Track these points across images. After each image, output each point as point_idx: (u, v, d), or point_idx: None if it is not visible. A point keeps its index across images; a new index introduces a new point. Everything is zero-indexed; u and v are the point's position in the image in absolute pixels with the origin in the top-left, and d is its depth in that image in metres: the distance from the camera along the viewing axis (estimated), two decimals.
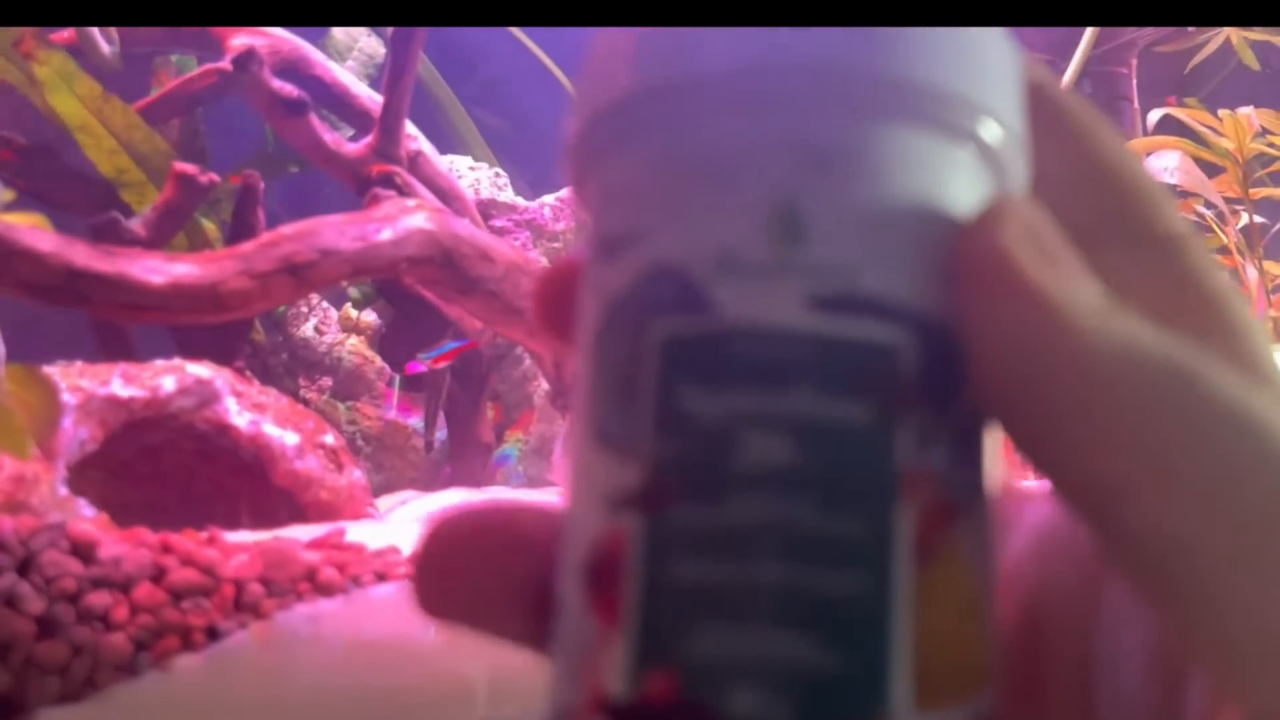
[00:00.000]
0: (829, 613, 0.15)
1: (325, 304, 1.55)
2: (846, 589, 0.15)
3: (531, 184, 1.72)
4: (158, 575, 0.87)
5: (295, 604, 0.91)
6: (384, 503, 1.32)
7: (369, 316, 1.54)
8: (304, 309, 1.48)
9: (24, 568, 0.82)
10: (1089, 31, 2.16)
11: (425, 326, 1.45)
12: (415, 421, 1.50)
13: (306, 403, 1.43)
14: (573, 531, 0.17)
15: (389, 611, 0.94)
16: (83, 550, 0.85)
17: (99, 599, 0.84)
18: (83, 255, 0.93)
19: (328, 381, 1.47)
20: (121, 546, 0.87)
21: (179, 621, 0.87)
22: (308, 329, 1.48)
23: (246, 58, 1.18)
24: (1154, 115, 1.86)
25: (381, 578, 0.96)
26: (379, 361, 1.52)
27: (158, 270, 0.97)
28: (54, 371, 1.06)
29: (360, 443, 1.45)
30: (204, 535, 0.93)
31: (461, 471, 1.43)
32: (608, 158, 0.18)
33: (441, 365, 1.45)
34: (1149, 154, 1.79)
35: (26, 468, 0.98)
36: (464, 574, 0.19)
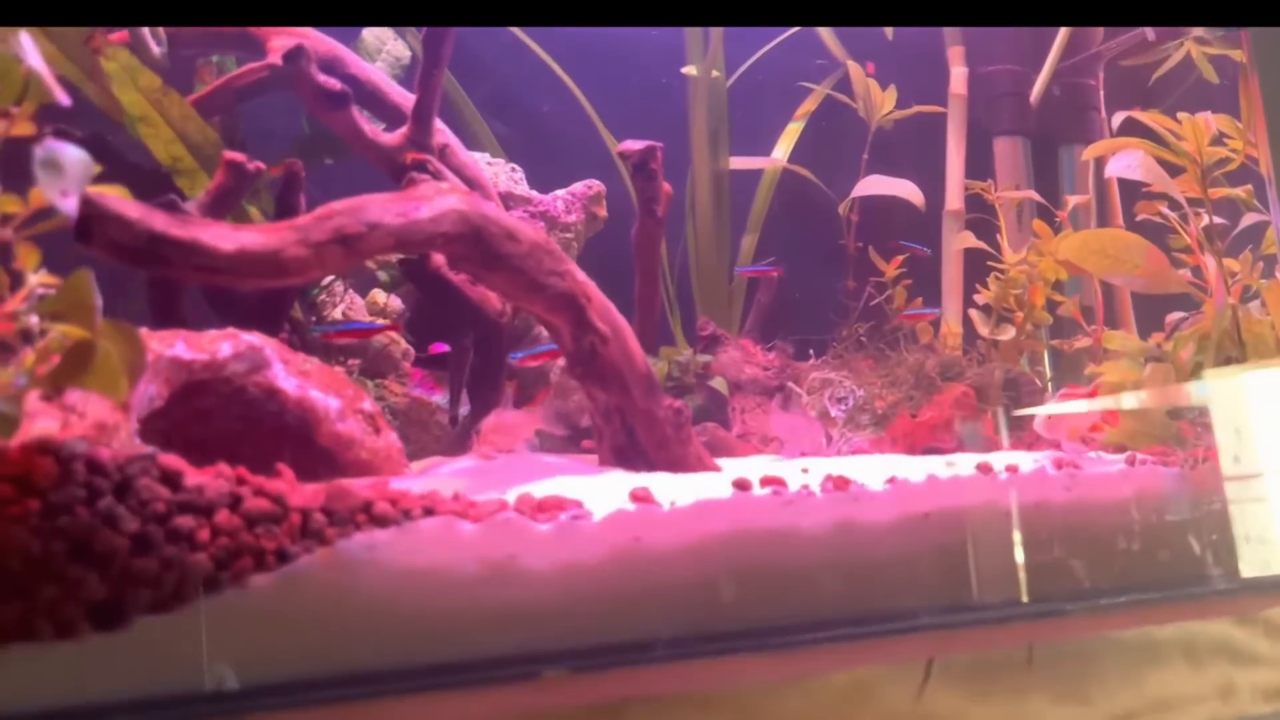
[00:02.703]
0: None
1: (351, 291, 1.65)
2: None
3: (540, 183, 1.84)
4: (234, 503, 0.97)
5: (354, 533, 1.01)
6: (415, 467, 1.42)
7: (394, 301, 1.65)
8: (334, 296, 1.59)
9: (120, 491, 0.92)
10: (1057, 44, 2.31)
11: (448, 310, 1.56)
12: (438, 398, 1.60)
13: None
14: None
15: (436, 543, 1.04)
16: (171, 478, 0.95)
17: (185, 522, 0.94)
18: (162, 221, 1.03)
19: (356, 362, 1.57)
20: (203, 476, 0.97)
21: (253, 544, 0.97)
22: (336, 314, 1.59)
23: (295, 53, 1.30)
24: (1117, 118, 2.00)
25: (429, 511, 1.06)
26: (404, 343, 1.63)
27: (227, 237, 1.07)
28: None
29: (388, 417, 1.55)
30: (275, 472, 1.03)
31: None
32: None
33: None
34: (1114, 154, 1.93)
35: (108, 416, 1.09)
36: None
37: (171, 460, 0.95)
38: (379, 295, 1.63)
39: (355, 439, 1.33)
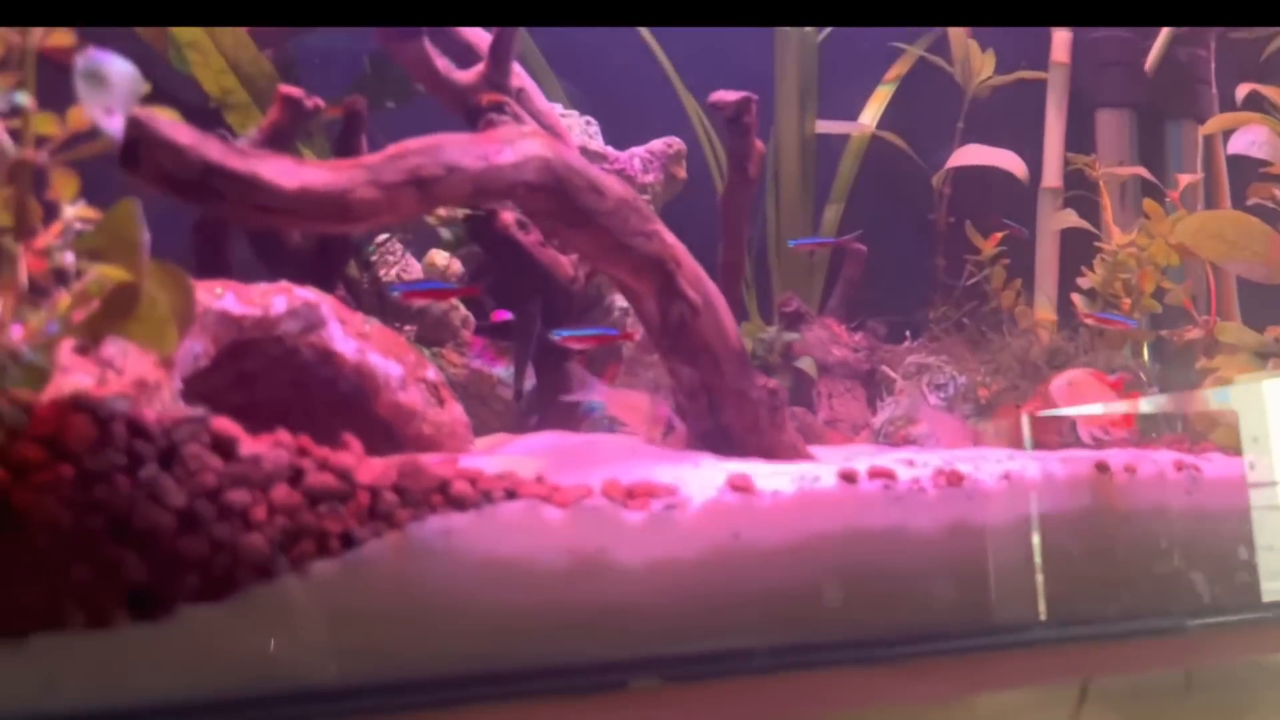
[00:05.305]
0: None
1: (407, 254, 1.52)
2: None
3: (612, 141, 1.71)
4: (295, 477, 0.84)
5: (429, 516, 0.88)
6: (479, 444, 1.30)
7: (455, 264, 1.52)
8: (389, 257, 1.45)
9: (166, 459, 0.79)
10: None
11: (514, 274, 1.42)
12: (500, 371, 1.47)
13: None
14: None
15: (521, 530, 0.91)
16: (224, 445, 0.82)
17: (238, 497, 0.81)
18: (218, 151, 0.91)
19: (412, 328, 1.44)
20: (261, 445, 0.84)
21: (315, 526, 0.84)
22: (392, 275, 1.46)
23: None
24: (1241, 90, 1.85)
25: (511, 494, 0.93)
26: (464, 309, 1.50)
27: (289, 173, 0.94)
28: None
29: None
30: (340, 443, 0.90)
31: (548, 421, 1.40)
32: None
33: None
34: (1235, 129, 1.78)
35: (150, 373, 0.96)
36: None
37: (225, 425, 0.82)
38: (438, 256, 1.50)
39: (417, 410, 1.20)
